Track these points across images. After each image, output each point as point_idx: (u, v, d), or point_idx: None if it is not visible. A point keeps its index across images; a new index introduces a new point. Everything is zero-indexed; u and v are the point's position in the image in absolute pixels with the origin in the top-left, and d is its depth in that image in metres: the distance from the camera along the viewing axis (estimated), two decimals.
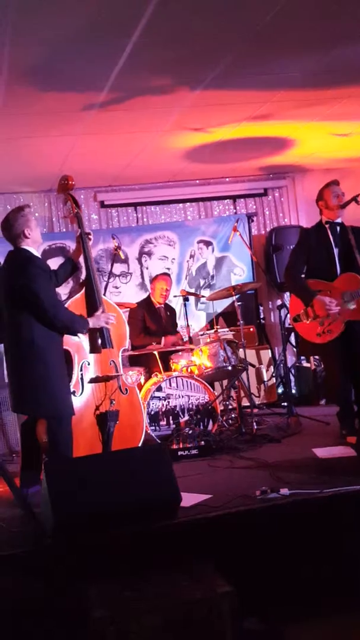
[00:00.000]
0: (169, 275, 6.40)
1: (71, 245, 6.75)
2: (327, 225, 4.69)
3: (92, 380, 4.28)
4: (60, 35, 3.63)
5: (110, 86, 4.40)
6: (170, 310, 6.28)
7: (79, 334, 4.15)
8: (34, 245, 3.96)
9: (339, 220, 4.71)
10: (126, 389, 4.41)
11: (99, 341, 4.27)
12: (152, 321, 5.95)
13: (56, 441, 3.78)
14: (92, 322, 4.10)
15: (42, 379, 3.76)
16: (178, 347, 5.75)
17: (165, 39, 3.80)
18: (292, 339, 6.99)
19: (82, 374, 4.27)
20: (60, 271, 4.19)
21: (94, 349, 4.30)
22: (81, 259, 4.34)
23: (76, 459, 3.68)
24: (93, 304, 4.27)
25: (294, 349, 7.11)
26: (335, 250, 4.65)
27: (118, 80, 4.31)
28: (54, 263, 4.51)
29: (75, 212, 4.43)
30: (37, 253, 3.98)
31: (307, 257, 4.72)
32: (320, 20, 3.83)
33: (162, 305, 6.15)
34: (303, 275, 4.80)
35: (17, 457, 5.03)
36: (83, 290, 4.36)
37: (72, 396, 4.10)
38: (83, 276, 4.62)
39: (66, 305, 4.22)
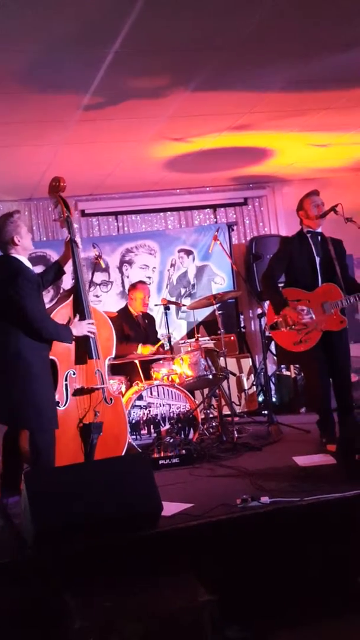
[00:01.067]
0: (146, 283, 6.38)
1: (52, 254, 6.73)
2: (308, 235, 4.74)
3: (76, 392, 4.21)
4: (40, 43, 3.63)
5: (91, 95, 4.41)
6: (149, 319, 6.27)
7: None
8: (24, 253, 3.91)
9: (319, 230, 4.76)
10: (111, 399, 4.35)
11: (86, 352, 4.22)
12: (131, 330, 5.93)
13: (38, 452, 3.74)
14: (75, 331, 4.06)
15: (28, 392, 3.73)
16: (159, 356, 5.76)
17: (146, 48, 3.82)
18: (273, 347, 7.03)
19: (67, 385, 4.22)
20: (44, 276, 4.17)
21: (79, 359, 4.24)
22: (69, 265, 4.29)
23: (56, 469, 3.65)
24: (80, 311, 4.23)
25: (274, 358, 7.14)
26: (317, 260, 4.70)
27: (99, 89, 4.32)
28: (40, 270, 4.45)
29: (65, 216, 4.35)
30: (27, 262, 3.92)
31: (287, 266, 4.75)
32: (301, 31, 3.87)
33: (140, 314, 6.13)
34: (282, 285, 4.83)
35: None
36: (71, 298, 4.31)
37: (57, 407, 4.05)
38: (65, 284, 4.57)
39: (54, 313, 4.19)
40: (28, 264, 3.93)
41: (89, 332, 4.17)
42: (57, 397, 4.12)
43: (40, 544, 2.94)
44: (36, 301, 3.83)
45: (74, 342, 4.14)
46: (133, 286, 6.23)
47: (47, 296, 6.29)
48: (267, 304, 7.15)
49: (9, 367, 3.75)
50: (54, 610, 2.74)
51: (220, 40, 3.85)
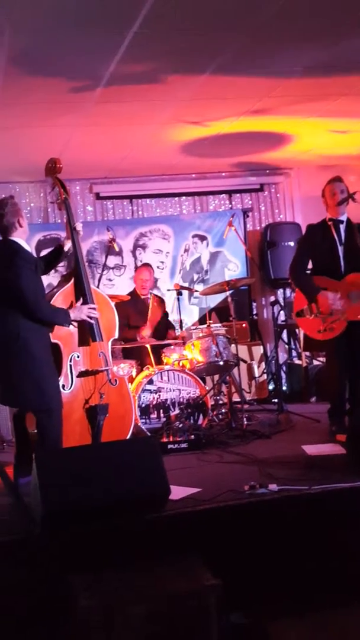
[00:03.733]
0: (149, 265, 6.34)
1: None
2: (330, 223, 4.68)
3: (80, 374, 4.23)
4: (58, 23, 3.59)
5: (108, 77, 4.37)
6: (160, 300, 6.22)
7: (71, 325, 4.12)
8: (24, 236, 3.92)
9: (342, 217, 4.69)
10: (115, 380, 4.38)
11: (88, 334, 4.22)
12: (136, 313, 5.90)
13: (46, 434, 3.76)
14: (73, 315, 4.05)
15: (30, 373, 3.74)
16: (170, 341, 5.74)
17: (166, 29, 3.77)
18: (285, 335, 7.00)
19: (71, 367, 4.23)
20: (48, 257, 4.16)
21: (83, 342, 4.25)
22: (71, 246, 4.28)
23: (66, 450, 3.67)
24: (82, 295, 4.22)
25: (286, 346, 7.11)
26: (340, 248, 4.64)
27: (116, 71, 4.28)
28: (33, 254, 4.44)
29: (63, 197, 4.32)
30: (26, 244, 3.93)
31: (312, 254, 4.71)
32: (323, 14, 3.79)
33: (147, 296, 6.07)
34: (308, 272, 4.79)
35: (8, 447, 5.03)
36: (71, 282, 4.30)
37: (62, 390, 4.07)
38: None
39: (55, 297, 4.19)
40: (27, 246, 3.94)
41: (88, 316, 4.15)
42: (62, 381, 4.14)
43: (48, 524, 2.96)
44: (33, 282, 3.82)
45: (76, 325, 4.13)
46: (137, 270, 6.29)
47: (56, 278, 6.24)
48: (280, 292, 7.18)
49: (8, 348, 3.75)
50: (60, 589, 2.76)
51: (242, 22, 3.78)
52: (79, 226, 4.35)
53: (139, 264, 7.06)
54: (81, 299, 4.19)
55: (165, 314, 6.25)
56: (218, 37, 3.96)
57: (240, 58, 4.29)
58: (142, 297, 6.05)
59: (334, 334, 4.56)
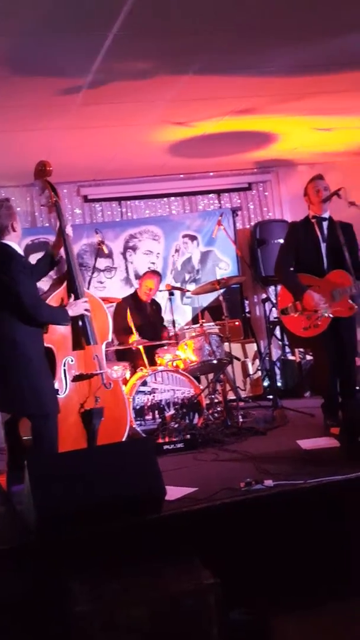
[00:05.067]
0: (158, 274, 6.35)
1: (53, 240, 6.71)
2: (313, 220, 4.71)
3: (75, 379, 4.23)
4: (39, 27, 3.59)
5: (91, 79, 4.37)
6: (156, 305, 6.28)
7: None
8: (17, 240, 3.90)
9: (325, 215, 4.72)
10: (110, 383, 4.38)
11: (82, 338, 4.22)
12: (137, 316, 5.92)
13: (42, 439, 3.74)
14: (71, 312, 4.05)
15: (27, 378, 3.72)
16: (163, 342, 5.75)
17: (146, 31, 3.77)
18: (277, 332, 7.02)
19: (65, 372, 4.23)
20: (39, 266, 4.15)
21: (76, 345, 4.24)
22: (62, 251, 4.26)
23: (59, 455, 3.65)
24: (73, 292, 4.21)
25: (279, 342, 7.13)
26: (323, 246, 4.68)
27: (99, 73, 4.28)
28: (36, 259, 4.44)
29: (54, 200, 4.31)
30: (19, 248, 3.93)
31: (296, 251, 4.74)
32: (305, 14, 3.81)
33: (149, 301, 6.14)
34: (292, 269, 4.81)
35: (1, 454, 5.01)
36: (65, 284, 4.30)
37: (57, 395, 4.06)
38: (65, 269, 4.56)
39: (48, 300, 4.19)
40: (20, 250, 3.93)
41: (84, 309, 4.14)
42: (56, 385, 4.13)
43: (43, 530, 2.95)
44: (30, 287, 3.82)
45: (69, 329, 4.14)
46: (144, 274, 6.28)
47: (47, 282, 6.25)
48: (272, 289, 7.20)
49: (4, 353, 3.74)
50: (57, 596, 2.76)
51: (222, 23, 3.80)
52: (69, 229, 4.34)
53: (129, 265, 7.06)
54: (72, 296, 4.19)
55: (160, 317, 6.28)
56: (200, 37, 3.96)
57: (223, 58, 4.30)
58: (144, 301, 6.08)
59: (319, 331, 4.60)
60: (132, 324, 5.44)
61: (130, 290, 6.54)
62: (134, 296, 6.13)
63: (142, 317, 5.96)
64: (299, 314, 4.63)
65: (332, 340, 4.63)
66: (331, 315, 4.57)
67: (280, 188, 7.70)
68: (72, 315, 4.06)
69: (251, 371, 6.64)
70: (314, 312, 4.58)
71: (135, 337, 5.57)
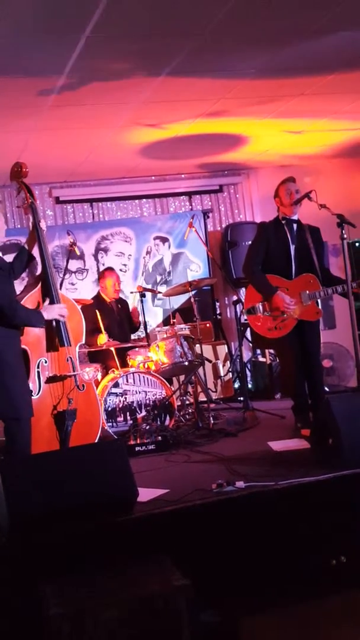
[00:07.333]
0: (113, 269, 6.34)
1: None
2: (283, 222, 4.75)
3: (49, 380, 4.22)
4: (13, 26, 3.57)
5: (64, 80, 4.36)
6: (122, 303, 6.25)
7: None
8: None
9: (295, 217, 4.76)
10: (83, 385, 4.36)
11: (56, 339, 4.21)
12: (105, 317, 5.90)
13: (15, 442, 3.72)
14: (46, 315, 4.04)
15: (2, 381, 3.69)
16: (135, 344, 5.75)
17: (118, 34, 3.79)
18: (248, 334, 7.06)
19: (39, 373, 4.21)
20: (16, 263, 4.12)
21: (50, 347, 4.23)
22: (36, 251, 4.25)
23: (31, 457, 3.63)
24: (49, 297, 4.21)
25: (250, 344, 7.18)
26: (292, 248, 4.71)
27: (71, 75, 4.27)
28: (8, 260, 4.41)
29: (29, 202, 4.30)
30: None
31: (265, 251, 4.76)
32: (273, 17, 3.86)
33: (113, 300, 6.10)
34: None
35: None
36: (39, 285, 4.29)
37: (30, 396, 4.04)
38: (39, 270, 4.54)
39: (24, 300, 4.16)
40: None
41: (60, 315, 4.15)
42: (30, 386, 4.10)
43: (15, 533, 2.93)
44: (7, 288, 3.80)
45: (44, 331, 4.12)
46: (102, 274, 6.23)
47: (22, 283, 6.23)
48: (243, 290, 7.24)
49: None
50: (29, 599, 2.74)
51: (191, 27, 3.83)
52: (43, 226, 4.32)
53: (101, 267, 7.05)
54: (47, 300, 4.18)
55: (128, 315, 6.26)
56: (171, 40, 3.99)
57: (194, 61, 4.33)
58: (110, 300, 6.05)
59: (284, 332, 4.64)
60: (101, 325, 5.44)
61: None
62: (98, 298, 6.09)
63: (109, 318, 5.92)
64: (266, 315, 4.65)
65: (297, 343, 4.67)
66: (297, 318, 4.61)
67: (251, 190, 7.75)
68: (47, 319, 4.05)
69: (222, 373, 6.67)
70: (280, 314, 4.61)
71: (104, 337, 5.56)
